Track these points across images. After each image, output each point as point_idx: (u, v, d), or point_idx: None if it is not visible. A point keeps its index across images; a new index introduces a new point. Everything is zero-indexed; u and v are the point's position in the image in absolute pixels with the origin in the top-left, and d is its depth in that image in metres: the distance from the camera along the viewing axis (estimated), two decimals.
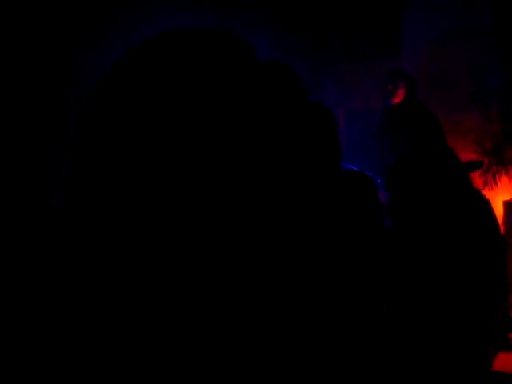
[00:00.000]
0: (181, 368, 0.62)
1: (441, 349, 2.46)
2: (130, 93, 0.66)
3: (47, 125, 3.95)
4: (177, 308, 0.63)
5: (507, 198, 6.01)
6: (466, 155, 5.97)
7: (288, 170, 0.66)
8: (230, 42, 0.71)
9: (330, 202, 0.70)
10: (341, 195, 0.73)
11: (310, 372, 0.66)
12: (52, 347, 0.66)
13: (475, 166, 5.19)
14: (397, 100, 5.09)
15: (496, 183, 6.19)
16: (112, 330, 0.64)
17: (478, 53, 6.17)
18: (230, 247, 0.63)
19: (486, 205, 2.73)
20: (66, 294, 0.67)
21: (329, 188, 0.71)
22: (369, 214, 0.74)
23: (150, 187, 0.63)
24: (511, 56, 5.42)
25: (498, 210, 5.77)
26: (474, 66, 6.22)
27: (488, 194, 5.97)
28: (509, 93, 5.99)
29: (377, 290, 0.74)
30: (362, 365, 0.71)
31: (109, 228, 0.64)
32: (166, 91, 0.65)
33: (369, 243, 0.72)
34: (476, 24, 6.13)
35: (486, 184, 6.16)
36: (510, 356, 4.23)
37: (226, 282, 0.64)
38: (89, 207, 0.66)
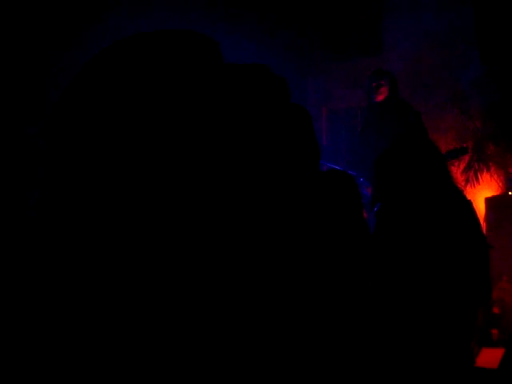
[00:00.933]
0: (181, 368, 0.62)
1: (425, 345, 2.47)
2: (98, 94, 0.65)
3: (22, 127, 3.92)
4: (176, 308, 0.62)
5: (489, 194, 6.07)
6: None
7: (264, 170, 0.66)
8: (198, 43, 0.71)
9: (309, 202, 0.70)
10: (321, 194, 0.73)
11: (306, 371, 0.66)
12: (48, 349, 0.65)
13: (460, 151, 5.23)
14: (381, 97, 5.16)
15: (478, 180, 6.24)
16: (110, 332, 0.63)
17: (459, 51, 6.22)
18: (211, 248, 0.63)
19: (468, 204, 2.74)
20: (63, 293, 0.66)
21: (308, 187, 0.71)
22: (350, 213, 0.74)
23: (119, 189, 0.63)
24: (491, 54, 5.46)
25: (480, 207, 5.82)
26: (455, 65, 6.27)
27: (470, 190, 6.02)
28: (489, 90, 6.04)
29: (360, 289, 0.74)
30: (352, 363, 0.71)
31: (106, 226, 0.63)
32: (133, 92, 0.65)
33: (350, 242, 0.72)
34: (457, 23, 6.18)
35: (467, 181, 6.21)
36: (493, 352, 4.26)
37: (218, 280, 0.63)
38: (65, 210, 0.65)
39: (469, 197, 2.88)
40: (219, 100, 0.65)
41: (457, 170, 6.16)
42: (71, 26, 4.25)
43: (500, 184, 6.27)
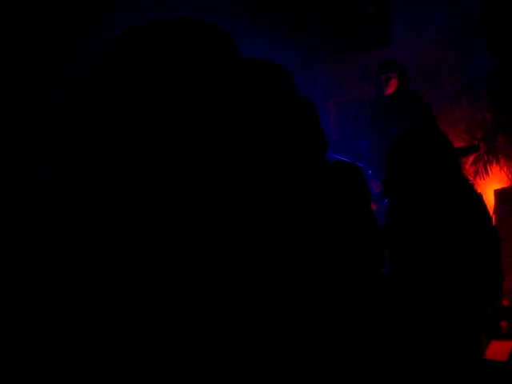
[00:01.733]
0: (181, 368, 0.62)
1: (434, 338, 2.46)
2: (111, 84, 0.65)
3: (35, 122, 3.93)
4: (176, 308, 0.62)
5: (498, 186, 6.04)
6: (457, 144, 5.99)
7: (270, 163, 0.65)
8: (215, 36, 0.71)
9: (317, 194, 0.70)
10: (329, 186, 0.72)
11: (308, 370, 0.66)
12: (48, 349, 0.65)
13: (472, 149, 5.21)
14: (390, 90, 5.12)
15: (487, 172, 6.21)
16: (110, 331, 0.63)
17: (468, 42, 6.18)
18: (220, 243, 0.63)
19: (478, 198, 2.73)
20: (63, 293, 0.66)
21: (316, 179, 0.71)
22: (358, 205, 0.74)
23: (134, 183, 0.62)
24: (500, 45, 5.43)
25: (489, 199, 5.80)
26: (464, 56, 6.23)
27: (479, 182, 6.00)
28: (499, 82, 6.00)
29: (369, 282, 0.74)
30: (359, 359, 0.71)
31: (96, 226, 0.63)
32: (145, 84, 0.64)
33: (358, 234, 0.72)
34: (465, 14, 6.14)
35: (477, 173, 6.18)
36: (502, 344, 4.25)
37: (222, 279, 0.63)
38: (74, 205, 0.65)
39: (478, 189, 2.87)
40: (224, 93, 0.65)
41: (466, 162, 6.13)
42: (88, 25, 4.26)
43: (510, 176, 6.24)
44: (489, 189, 5.97)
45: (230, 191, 0.62)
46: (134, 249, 0.62)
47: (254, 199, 0.63)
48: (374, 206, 2.75)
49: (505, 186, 6.13)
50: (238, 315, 0.63)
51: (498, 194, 5.82)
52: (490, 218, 2.71)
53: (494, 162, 6.24)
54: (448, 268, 2.52)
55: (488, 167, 6.22)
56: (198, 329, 0.61)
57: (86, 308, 0.64)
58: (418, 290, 2.53)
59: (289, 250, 0.65)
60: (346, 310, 0.71)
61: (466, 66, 6.20)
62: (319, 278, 0.68)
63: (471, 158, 6.22)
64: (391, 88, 5.11)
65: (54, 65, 4.13)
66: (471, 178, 5.81)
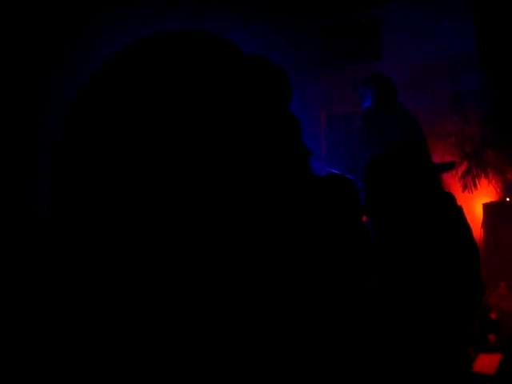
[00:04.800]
0: (181, 368, 0.62)
1: (422, 350, 2.47)
2: (121, 92, 0.66)
3: (33, 125, 3.91)
4: (176, 308, 0.62)
5: (487, 200, 6.07)
6: (447, 158, 6.03)
7: (260, 174, 0.66)
8: (220, 45, 0.72)
9: (308, 206, 0.70)
10: (320, 198, 0.73)
11: (306, 371, 0.66)
12: (50, 348, 0.65)
13: (446, 166, 5.25)
14: (366, 105, 5.19)
15: (476, 186, 6.24)
16: (110, 332, 0.63)
17: (458, 56, 6.23)
18: (214, 249, 0.63)
19: (459, 210, 2.76)
20: (63, 294, 0.66)
21: (307, 192, 0.71)
22: (349, 217, 0.74)
23: (138, 187, 0.63)
24: (490, 59, 5.48)
25: (478, 213, 5.82)
26: (454, 71, 6.28)
27: (468, 196, 6.03)
28: (488, 96, 6.05)
29: (360, 294, 0.74)
30: (350, 364, 0.72)
31: (106, 227, 0.64)
32: (154, 91, 0.65)
33: (349, 246, 0.72)
34: (456, 27, 6.19)
35: (465, 187, 6.22)
36: (490, 357, 4.26)
37: (221, 281, 0.64)
38: (76, 207, 0.66)
39: (466, 202, 2.89)
40: (221, 98, 0.66)
41: (455, 176, 6.16)
42: (88, 26, 4.26)
43: (498, 190, 6.28)
44: (477, 202, 6.00)
45: (224, 199, 0.63)
46: (134, 249, 0.63)
47: (246, 208, 0.63)
48: (364, 218, 2.76)
49: (493, 199, 6.16)
50: (237, 316, 0.63)
51: (487, 207, 5.85)
52: (469, 230, 2.73)
53: (483, 175, 6.28)
54: (430, 281, 2.54)
55: (477, 181, 6.26)
56: (197, 329, 0.62)
57: (86, 308, 0.65)
58: (404, 302, 2.54)
59: (280, 258, 0.66)
60: (335, 320, 0.72)
61: (456, 80, 6.25)
62: (312, 287, 0.69)
63: (460, 172, 6.25)
64: (366, 103, 5.18)
65: (51, 66, 4.13)
66: (459, 192, 5.84)
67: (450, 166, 5.27)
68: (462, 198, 4.33)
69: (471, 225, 2.81)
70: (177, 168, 0.61)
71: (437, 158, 5.26)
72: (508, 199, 5.94)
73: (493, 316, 4.82)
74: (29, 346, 0.67)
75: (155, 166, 0.61)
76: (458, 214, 2.74)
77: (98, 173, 0.63)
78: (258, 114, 0.66)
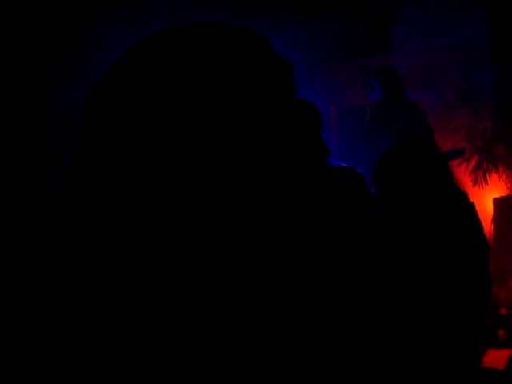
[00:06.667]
0: (181, 368, 0.62)
1: (431, 346, 2.47)
2: (136, 89, 0.66)
3: (45, 123, 3.93)
4: (176, 308, 0.62)
5: (497, 195, 6.04)
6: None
7: (270, 167, 0.66)
8: (243, 39, 0.71)
9: (318, 199, 0.70)
10: (330, 191, 0.72)
11: (308, 371, 0.66)
12: (51, 347, 0.65)
13: (457, 152, 5.22)
14: (375, 97, 5.20)
15: (486, 181, 6.21)
16: (112, 330, 0.63)
17: (470, 51, 6.19)
18: (223, 246, 0.63)
19: (471, 207, 2.75)
20: (65, 293, 0.66)
21: (317, 185, 0.71)
22: (359, 211, 0.74)
23: (150, 185, 0.63)
24: (502, 54, 5.44)
25: (488, 208, 5.80)
26: (465, 65, 6.24)
27: (478, 191, 6.00)
28: (499, 91, 6.01)
29: (367, 288, 0.73)
30: (357, 363, 0.71)
31: (108, 225, 0.64)
32: (170, 87, 0.65)
33: (359, 240, 0.72)
34: (468, 22, 6.15)
35: (476, 182, 6.19)
36: (499, 352, 4.25)
37: (224, 280, 0.63)
38: (88, 203, 0.65)
39: (477, 197, 2.88)
40: (226, 93, 0.65)
41: (465, 171, 6.14)
42: (96, 26, 4.26)
43: (508, 185, 6.25)
44: (488, 197, 5.98)
45: (230, 194, 0.63)
46: (134, 249, 0.62)
47: (254, 203, 0.63)
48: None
49: (504, 194, 6.13)
50: (236, 316, 0.63)
51: (497, 202, 5.82)
52: (481, 227, 2.73)
53: (494, 170, 6.25)
54: (439, 276, 2.54)
55: (487, 176, 6.23)
56: (197, 329, 0.61)
57: (86, 308, 0.64)
58: (412, 298, 2.53)
59: (288, 252, 0.65)
60: (341, 313, 0.71)
61: (467, 74, 6.21)
62: (317, 282, 0.68)
63: (470, 167, 6.22)
64: (375, 95, 5.19)
65: (63, 66, 4.13)
66: (470, 187, 5.81)
67: (460, 152, 5.24)
68: (472, 193, 4.31)
69: (481, 219, 2.80)
70: (187, 166, 0.61)
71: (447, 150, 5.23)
72: None
73: (502, 311, 4.80)
74: (29, 345, 0.67)
75: (156, 164, 0.61)
76: (470, 211, 2.74)
77: (106, 169, 0.63)
78: (270, 108, 0.66)
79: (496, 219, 5.63)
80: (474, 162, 6.24)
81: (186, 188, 0.61)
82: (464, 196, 2.81)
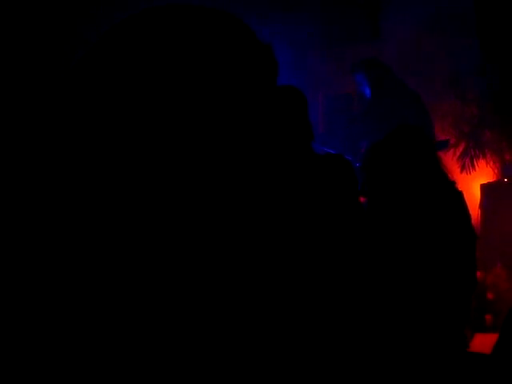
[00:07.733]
0: (181, 368, 0.62)
1: (419, 332, 2.48)
2: (115, 67, 0.65)
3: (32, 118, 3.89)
4: (176, 308, 0.62)
5: (484, 181, 6.07)
6: (443, 138, 6.01)
7: (259, 156, 0.66)
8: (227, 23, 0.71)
9: (306, 186, 0.70)
10: (318, 178, 0.73)
11: (308, 370, 0.66)
12: (51, 346, 0.65)
13: (441, 145, 5.24)
14: (364, 92, 5.22)
15: (474, 167, 6.23)
16: (111, 330, 0.63)
17: (457, 37, 6.19)
18: (220, 243, 0.63)
19: (459, 196, 2.78)
20: (65, 292, 0.66)
21: (305, 172, 0.71)
22: (346, 196, 0.74)
23: (142, 181, 0.63)
24: (489, 41, 5.44)
25: (476, 194, 5.82)
26: (453, 51, 6.24)
27: (466, 177, 6.02)
28: (486, 77, 6.02)
29: (358, 276, 0.74)
30: (352, 355, 0.71)
31: (108, 225, 0.63)
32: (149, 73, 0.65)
33: (346, 226, 0.72)
34: (455, 9, 6.14)
35: (463, 168, 6.21)
36: (487, 337, 4.29)
37: (224, 280, 0.63)
38: (88, 203, 0.65)
39: (464, 183, 2.90)
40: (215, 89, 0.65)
41: (453, 157, 6.15)
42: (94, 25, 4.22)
43: (496, 171, 6.27)
44: (475, 183, 6.00)
45: (223, 190, 0.63)
46: (135, 249, 0.62)
47: (248, 196, 0.63)
48: (362, 199, 2.77)
49: (491, 180, 6.16)
50: (236, 315, 0.63)
51: (484, 188, 5.85)
52: (468, 216, 2.76)
53: (481, 156, 6.27)
54: (428, 263, 2.56)
55: (475, 162, 6.25)
56: (197, 329, 0.61)
57: (86, 308, 0.64)
58: (400, 286, 2.55)
59: (279, 242, 0.66)
60: (336, 306, 0.72)
61: (455, 60, 6.21)
62: (309, 270, 0.69)
63: (458, 153, 6.24)
64: (365, 89, 5.20)
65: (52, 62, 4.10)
66: (457, 173, 5.83)
67: (444, 145, 5.26)
68: (460, 179, 4.32)
69: (469, 205, 2.82)
70: (175, 163, 0.61)
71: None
72: (506, 180, 5.94)
73: (489, 296, 4.84)
74: (29, 345, 0.67)
75: (153, 160, 0.61)
76: (458, 200, 2.76)
77: (97, 171, 0.63)
78: (248, 91, 0.66)
79: (483, 205, 5.66)
80: (461, 148, 6.26)
81: (181, 186, 0.61)
82: (452, 184, 2.82)
